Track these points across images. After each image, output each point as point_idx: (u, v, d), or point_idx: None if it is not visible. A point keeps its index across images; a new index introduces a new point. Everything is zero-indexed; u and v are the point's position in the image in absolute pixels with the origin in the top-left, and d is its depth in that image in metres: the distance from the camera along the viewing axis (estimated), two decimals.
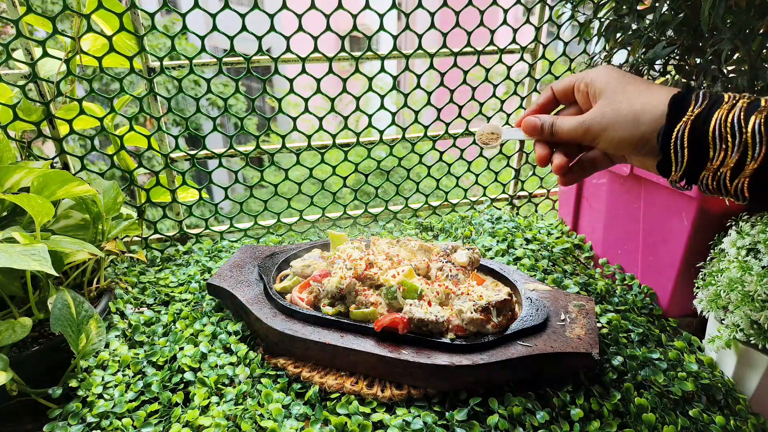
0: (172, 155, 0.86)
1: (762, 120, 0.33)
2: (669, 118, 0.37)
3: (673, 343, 0.63)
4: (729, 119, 0.34)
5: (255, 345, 0.63)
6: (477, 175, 1.07)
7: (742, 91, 0.63)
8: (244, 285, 0.68)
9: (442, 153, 1.00)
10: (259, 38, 0.79)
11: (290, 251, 0.76)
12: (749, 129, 0.33)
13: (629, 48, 0.75)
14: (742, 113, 0.34)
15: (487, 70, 0.93)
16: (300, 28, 0.81)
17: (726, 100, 0.35)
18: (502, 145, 0.52)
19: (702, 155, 0.36)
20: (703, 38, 0.67)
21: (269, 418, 0.51)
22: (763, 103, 0.34)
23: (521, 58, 0.94)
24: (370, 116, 0.93)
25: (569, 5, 0.85)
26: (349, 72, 0.89)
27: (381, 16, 0.83)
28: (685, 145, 0.36)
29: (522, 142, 1.04)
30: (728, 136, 0.34)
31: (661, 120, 0.37)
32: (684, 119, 0.36)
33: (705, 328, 0.65)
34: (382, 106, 0.94)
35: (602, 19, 0.78)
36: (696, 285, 0.62)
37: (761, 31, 0.61)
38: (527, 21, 0.91)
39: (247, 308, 0.63)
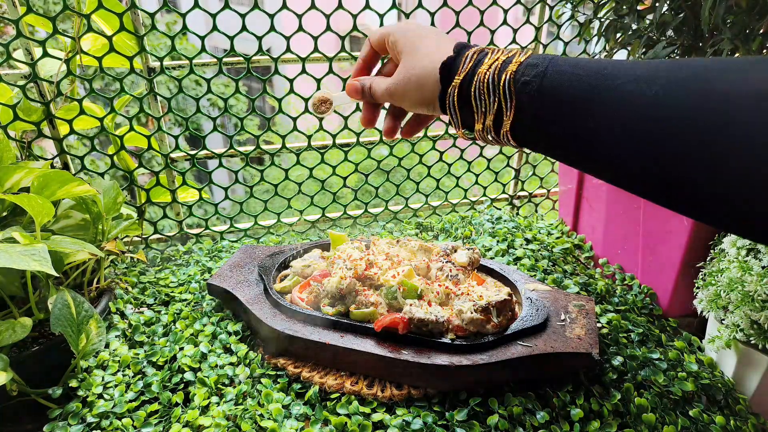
0: (172, 155, 0.86)
1: (510, 77, 0.35)
2: (442, 83, 0.39)
3: (673, 343, 0.63)
4: (485, 79, 0.36)
5: (255, 345, 0.63)
6: (477, 175, 1.07)
7: None
8: (244, 285, 0.68)
9: (442, 153, 1.00)
10: (259, 38, 0.79)
11: (290, 251, 0.76)
12: (500, 87, 0.35)
13: (629, 48, 0.75)
14: (495, 72, 0.36)
15: None
16: (300, 28, 0.81)
17: (487, 59, 0.37)
18: (335, 111, 0.53)
19: (471, 113, 0.38)
20: (703, 38, 0.67)
21: (269, 418, 0.51)
22: (516, 57, 0.36)
23: None
24: None
25: (569, 5, 0.85)
26: (349, 72, 0.89)
27: (381, 16, 0.83)
28: (456, 107, 0.39)
29: None
30: (484, 96, 0.36)
31: (439, 86, 0.39)
32: (452, 84, 0.38)
33: (705, 328, 0.65)
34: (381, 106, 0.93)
35: (602, 19, 0.78)
36: (696, 285, 0.62)
37: (761, 31, 0.61)
38: (527, 21, 0.91)
39: (247, 308, 0.63)
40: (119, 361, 0.60)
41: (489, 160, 1.07)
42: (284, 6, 0.78)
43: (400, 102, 0.44)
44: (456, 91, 0.38)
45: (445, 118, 0.43)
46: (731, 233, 0.28)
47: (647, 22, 0.73)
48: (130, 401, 0.54)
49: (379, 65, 0.50)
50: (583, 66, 0.32)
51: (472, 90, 0.37)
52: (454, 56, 0.39)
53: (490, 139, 0.39)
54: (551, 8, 0.90)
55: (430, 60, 0.40)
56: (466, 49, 0.39)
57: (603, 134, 0.31)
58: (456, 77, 0.38)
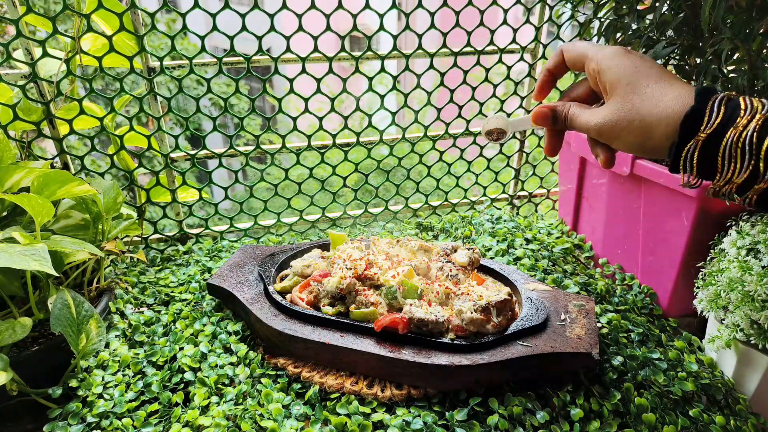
0: (172, 155, 0.86)
1: None
2: (681, 137, 0.36)
3: (673, 343, 0.63)
4: (741, 139, 0.33)
5: (255, 345, 0.63)
6: (477, 175, 1.07)
7: (742, 91, 0.63)
8: (244, 285, 0.68)
9: (442, 153, 1.00)
10: (259, 38, 0.79)
11: (290, 251, 0.76)
12: (763, 150, 0.32)
13: (629, 48, 0.75)
14: (755, 133, 0.32)
15: (487, 70, 0.94)
16: (300, 28, 0.81)
17: (741, 114, 0.34)
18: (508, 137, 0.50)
19: (712, 170, 0.35)
20: (703, 38, 0.67)
21: (269, 418, 0.51)
22: None
23: (521, 58, 0.94)
24: (370, 116, 0.93)
25: (569, 5, 0.85)
26: (349, 72, 0.89)
27: (381, 16, 0.83)
28: (695, 163, 0.35)
29: (522, 142, 1.04)
30: (738, 157, 0.33)
31: (673, 135, 0.36)
32: (695, 138, 0.35)
33: (705, 328, 0.65)
34: (382, 106, 0.94)
35: (602, 19, 0.78)
36: (696, 285, 0.62)
37: (761, 31, 0.61)
38: (527, 21, 0.91)
39: (247, 308, 0.63)
40: (119, 361, 0.60)
41: (489, 160, 1.07)
42: (284, 6, 0.78)
43: (609, 141, 0.40)
44: (698, 146, 0.34)
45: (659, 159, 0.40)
46: None
47: (647, 21, 0.73)
48: (130, 401, 0.54)
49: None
50: None
51: (722, 148, 0.34)
52: (696, 106, 0.35)
53: (722, 195, 0.36)
54: (551, 8, 0.90)
55: (663, 107, 0.36)
56: (707, 97, 0.35)
57: None
58: (700, 133, 0.34)
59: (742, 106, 0.34)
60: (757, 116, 0.33)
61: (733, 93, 0.35)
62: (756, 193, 0.34)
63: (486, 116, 0.99)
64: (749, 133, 0.33)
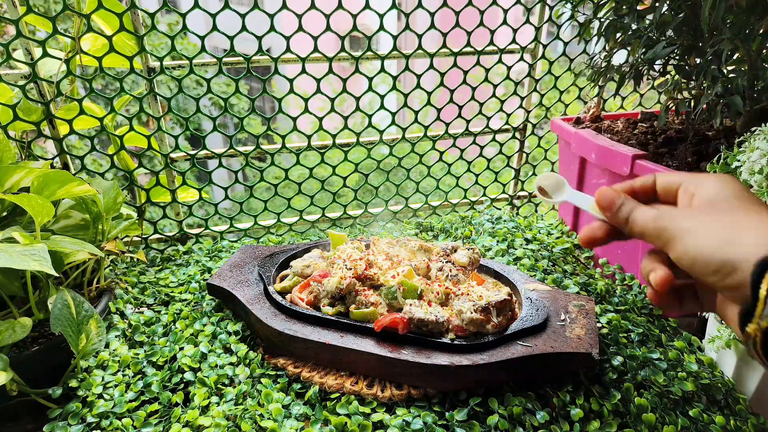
0: (172, 155, 0.86)
1: None
2: (752, 289, 0.28)
3: (673, 343, 0.63)
4: None
5: (255, 345, 0.63)
6: (477, 175, 1.07)
7: (742, 92, 0.63)
8: (244, 285, 0.68)
9: (442, 153, 1.00)
10: (259, 38, 0.79)
11: (290, 251, 0.76)
12: None
13: (629, 48, 0.75)
14: None
15: (487, 70, 0.94)
16: (300, 28, 0.81)
17: None
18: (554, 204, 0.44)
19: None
20: (703, 38, 0.67)
21: (269, 418, 0.51)
22: None
23: (521, 58, 0.94)
24: (370, 116, 0.93)
25: (569, 5, 0.85)
26: (349, 72, 0.89)
27: (381, 16, 0.83)
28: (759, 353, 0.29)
29: (522, 142, 1.04)
30: None
31: (747, 286, 0.28)
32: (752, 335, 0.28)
33: (705, 328, 0.65)
34: (382, 106, 0.94)
35: (602, 19, 0.78)
36: None
37: (761, 31, 0.61)
38: (527, 21, 0.91)
39: (247, 308, 0.63)
40: (119, 361, 0.60)
41: (489, 160, 1.07)
42: (284, 6, 0.78)
43: (668, 242, 0.33)
44: (757, 338, 0.28)
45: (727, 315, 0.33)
46: None
47: (647, 22, 0.73)
48: (130, 401, 0.54)
49: None
50: None
51: None
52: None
53: None
54: (551, 8, 0.90)
55: (737, 245, 0.29)
56: None
57: None
58: (752, 322, 0.28)
59: None
60: None
61: None
62: None
63: (486, 116, 0.99)
64: None
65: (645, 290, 0.73)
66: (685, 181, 0.35)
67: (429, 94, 0.93)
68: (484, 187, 1.09)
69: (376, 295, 0.61)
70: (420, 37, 0.86)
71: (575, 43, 0.92)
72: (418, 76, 0.91)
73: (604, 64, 0.80)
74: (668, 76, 0.77)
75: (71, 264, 0.64)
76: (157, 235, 0.93)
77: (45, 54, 0.71)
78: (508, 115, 1.00)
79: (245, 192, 0.97)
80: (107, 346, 0.63)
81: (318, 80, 0.86)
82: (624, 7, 0.74)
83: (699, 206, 0.33)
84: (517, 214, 1.10)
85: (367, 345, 0.55)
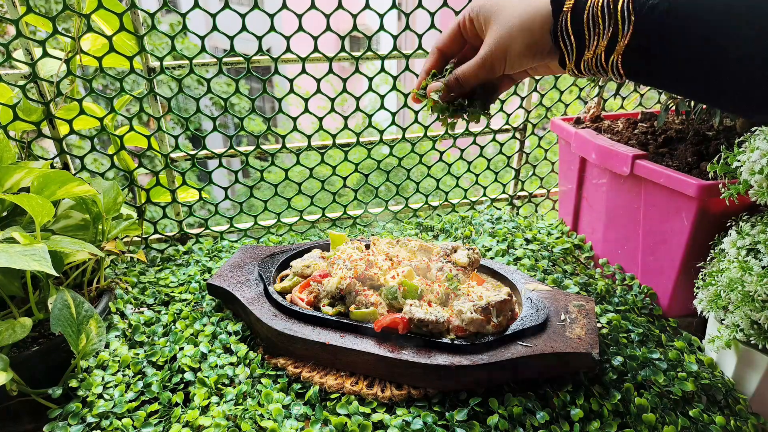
0: (172, 155, 0.86)
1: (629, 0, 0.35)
2: (554, 15, 0.39)
3: (673, 344, 0.63)
4: (600, 4, 0.36)
5: (255, 345, 0.63)
6: (477, 175, 1.07)
7: None
8: (244, 285, 0.68)
9: (442, 153, 1.00)
10: (259, 38, 0.79)
11: (290, 251, 0.76)
12: (618, 8, 0.35)
13: None
14: None
15: None
16: (300, 28, 0.81)
17: None
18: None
19: (573, 43, 0.38)
20: None
21: (269, 418, 0.51)
22: None
23: None
24: (370, 116, 0.93)
25: None
26: (349, 72, 0.89)
27: (381, 16, 0.83)
28: (570, 35, 0.38)
29: (522, 142, 1.04)
30: (599, 19, 0.36)
31: (549, 19, 0.39)
32: (563, 12, 0.38)
33: (705, 328, 0.65)
34: (382, 106, 0.94)
35: None
36: (696, 285, 0.62)
37: None
38: None
39: (247, 308, 0.63)
40: (119, 361, 0.60)
41: (489, 160, 1.07)
42: (284, 6, 0.78)
43: (502, 61, 0.42)
44: (568, 16, 0.37)
45: (550, 66, 0.43)
46: None
47: None
48: (130, 401, 0.54)
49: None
50: None
51: (585, 15, 0.37)
52: None
53: (594, 68, 0.38)
54: None
55: (531, 3, 0.39)
56: None
57: (744, 54, 0.30)
58: (567, 3, 0.37)
59: None
60: None
61: None
62: (619, 54, 0.36)
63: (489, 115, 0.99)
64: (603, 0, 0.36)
65: (645, 290, 0.73)
66: (459, 22, 0.45)
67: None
68: (484, 187, 1.09)
69: (376, 295, 0.61)
70: (420, 37, 0.86)
71: None
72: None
73: None
74: None
75: (71, 264, 0.64)
76: (157, 235, 0.93)
77: (45, 54, 0.71)
78: (508, 115, 1.00)
79: (245, 192, 0.97)
80: (107, 346, 0.63)
81: (318, 80, 0.86)
82: None
83: (491, 29, 0.42)
84: (517, 214, 1.10)
85: (367, 345, 0.55)
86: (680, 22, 0.33)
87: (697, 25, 0.32)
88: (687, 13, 0.33)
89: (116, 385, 0.56)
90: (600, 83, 0.89)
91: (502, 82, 0.50)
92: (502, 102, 1.00)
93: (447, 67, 0.48)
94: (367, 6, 0.81)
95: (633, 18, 0.35)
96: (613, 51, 0.36)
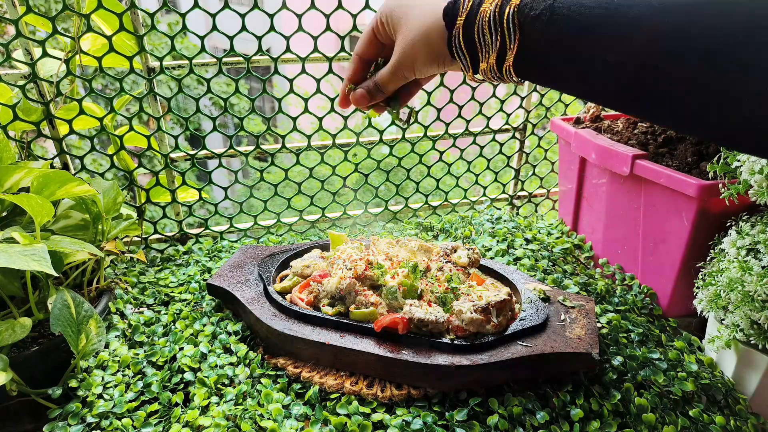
0: (172, 155, 0.86)
1: (513, 11, 0.35)
2: (447, 28, 0.40)
3: (673, 343, 0.63)
4: (487, 16, 0.37)
5: (255, 345, 0.63)
6: (477, 175, 1.07)
7: None
8: (244, 285, 0.68)
9: (442, 153, 1.00)
10: (259, 38, 0.79)
11: (290, 251, 0.76)
12: (504, 22, 0.36)
13: None
14: (497, 8, 0.36)
15: None
16: (300, 28, 0.81)
17: None
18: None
19: (467, 55, 0.39)
20: None
21: (269, 418, 0.51)
22: None
23: None
24: (369, 116, 0.93)
25: None
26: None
27: None
28: (463, 49, 0.39)
29: (522, 142, 1.04)
30: (487, 33, 0.37)
31: (445, 32, 0.40)
32: (455, 26, 0.39)
33: (705, 328, 0.65)
34: None
35: None
36: (696, 285, 0.62)
37: None
38: None
39: (247, 308, 0.63)
40: (119, 361, 0.60)
41: (489, 160, 1.07)
42: (284, 6, 0.78)
43: (410, 70, 0.44)
44: (461, 32, 0.39)
45: (454, 69, 0.45)
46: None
47: None
48: (130, 401, 0.54)
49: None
50: None
51: (476, 29, 0.38)
52: (453, 1, 0.39)
53: (491, 76, 0.39)
54: None
55: (430, 13, 0.40)
56: None
57: (615, 61, 0.31)
58: (459, 18, 0.38)
59: None
60: None
61: None
62: (509, 63, 0.37)
63: (486, 116, 0.99)
64: (491, 10, 0.36)
65: (645, 290, 0.73)
66: (372, 29, 0.46)
67: (429, 94, 0.93)
68: (484, 187, 1.09)
69: (376, 295, 0.61)
70: None
71: None
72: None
73: None
74: None
75: (71, 264, 0.64)
76: (157, 235, 0.93)
77: (45, 54, 0.71)
78: (508, 115, 1.00)
79: (245, 192, 0.97)
80: (107, 346, 0.63)
81: (318, 80, 0.86)
82: None
83: (397, 40, 0.44)
84: (517, 214, 1.10)
85: (367, 345, 0.55)
86: (559, 30, 0.34)
87: (576, 33, 0.33)
88: (565, 19, 0.33)
89: (116, 385, 0.56)
90: None
91: (417, 83, 0.52)
92: (502, 102, 1.00)
93: (371, 71, 0.51)
94: (367, 6, 0.81)
95: (518, 30, 0.35)
96: (504, 61, 0.37)
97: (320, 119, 0.91)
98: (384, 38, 0.47)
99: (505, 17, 0.36)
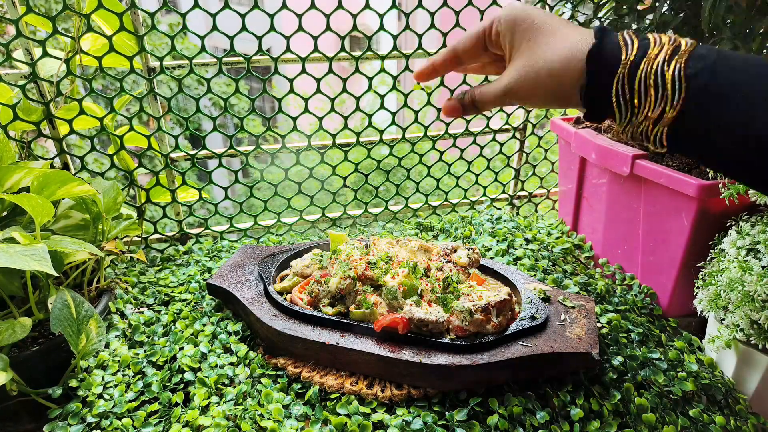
0: (172, 155, 0.86)
1: (682, 65, 0.32)
2: (588, 76, 0.35)
3: (673, 343, 0.63)
4: (653, 70, 0.33)
5: (255, 345, 0.63)
6: (477, 175, 1.07)
7: None
8: (244, 285, 0.68)
9: (442, 153, 1.00)
10: (259, 38, 0.79)
11: (290, 251, 0.76)
12: (668, 76, 0.32)
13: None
14: (665, 62, 0.33)
15: None
16: (300, 28, 0.81)
17: (652, 45, 0.34)
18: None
19: (627, 107, 0.35)
20: (704, 38, 0.67)
21: (269, 418, 0.51)
22: (683, 46, 0.33)
23: None
24: (370, 116, 0.93)
25: (569, 5, 0.85)
26: (349, 72, 0.89)
27: (381, 16, 0.83)
28: (621, 98, 0.35)
29: (522, 142, 1.04)
30: (651, 89, 0.33)
31: (580, 77, 0.36)
32: (620, 70, 0.34)
33: (705, 328, 0.65)
34: (382, 106, 0.94)
35: (602, 19, 0.78)
36: (696, 285, 0.62)
37: (761, 31, 0.61)
38: None
39: (247, 308, 0.63)
40: (119, 361, 0.60)
41: (489, 160, 1.07)
42: (284, 6, 0.78)
43: (522, 100, 0.40)
44: (626, 77, 0.34)
45: (571, 108, 0.41)
46: None
47: (647, 22, 0.73)
48: (130, 401, 0.54)
49: None
50: (753, 62, 0.31)
51: (637, 83, 0.34)
52: (598, 43, 0.35)
53: (636, 136, 0.36)
54: (551, 8, 0.90)
55: (568, 50, 0.36)
56: (609, 35, 0.35)
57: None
58: (623, 63, 0.34)
59: (652, 39, 0.34)
60: (666, 47, 0.33)
61: (633, 33, 0.36)
62: (666, 125, 0.33)
63: (486, 116, 0.99)
64: (659, 62, 0.33)
65: (645, 290, 0.73)
66: (484, 29, 0.41)
67: (429, 94, 0.92)
68: (484, 187, 1.09)
69: (376, 295, 0.61)
70: (420, 37, 0.86)
71: None
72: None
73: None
74: None
75: (71, 264, 0.64)
76: (157, 235, 0.93)
77: (45, 54, 0.71)
78: (508, 115, 1.00)
79: (245, 192, 0.97)
80: (107, 346, 0.63)
81: (318, 80, 0.86)
82: (624, 7, 0.74)
83: (516, 62, 0.39)
84: (517, 214, 1.10)
85: (367, 345, 0.55)
86: (718, 96, 0.31)
87: (733, 102, 0.31)
88: (722, 85, 0.31)
89: (116, 385, 0.56)
90: None
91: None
92: None
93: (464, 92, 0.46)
94: (367, 6, 0.81)
95: (683, 90, 0.32)
96: (659, 122, 0.34)
97: (320, 119, 0.91)
98: (493, 47, 0.42)
99: (670, 72, 0.32)
